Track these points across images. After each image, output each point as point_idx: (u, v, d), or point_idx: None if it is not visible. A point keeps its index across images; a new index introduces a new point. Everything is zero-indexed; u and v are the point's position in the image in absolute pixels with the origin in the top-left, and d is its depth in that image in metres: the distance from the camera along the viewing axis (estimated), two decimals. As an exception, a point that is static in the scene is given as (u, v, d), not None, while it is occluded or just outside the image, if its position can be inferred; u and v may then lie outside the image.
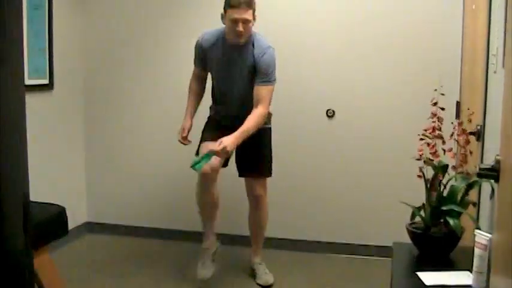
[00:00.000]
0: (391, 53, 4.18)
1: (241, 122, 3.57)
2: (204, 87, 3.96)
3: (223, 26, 3.66)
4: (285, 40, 4.20)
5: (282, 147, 4.24)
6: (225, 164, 3.79)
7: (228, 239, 4.31)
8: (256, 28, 3.68)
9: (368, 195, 4.30)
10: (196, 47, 3.79)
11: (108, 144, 4.85)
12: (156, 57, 4.64)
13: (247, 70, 3.66)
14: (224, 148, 3.44)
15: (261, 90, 3.61)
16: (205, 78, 3.92)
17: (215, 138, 3.59)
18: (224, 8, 3.57)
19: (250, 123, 3.56)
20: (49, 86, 4.37)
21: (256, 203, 3.93)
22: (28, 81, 4.02)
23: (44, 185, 4.02)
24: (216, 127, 3.82)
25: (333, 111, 4.31)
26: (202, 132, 3.88)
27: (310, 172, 4.40)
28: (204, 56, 3.77)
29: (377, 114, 4.24)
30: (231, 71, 3.70)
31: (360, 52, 4.22)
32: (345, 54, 4.25)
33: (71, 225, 3.40)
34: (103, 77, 4.80)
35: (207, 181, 3.67)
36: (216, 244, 3.90)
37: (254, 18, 3.60)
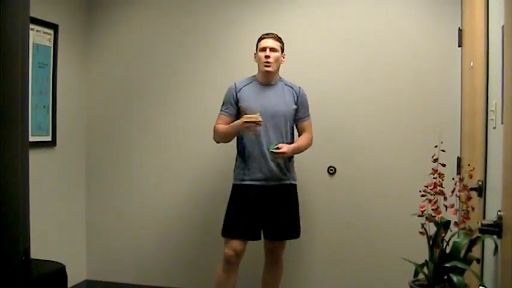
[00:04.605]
0: (392, 110, 4.21)
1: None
2: None
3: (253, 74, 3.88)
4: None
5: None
6: (257, 236, 3.77)
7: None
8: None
9: (370, 252, 4.26)
10: (228, 91, 3.84)
11: (109, 202, 4.83)
12: (158, 114, 4.69)
13: (286, 107, 3.80)
14: (284, 153, 3.65)
15: (305, 124, 3.92)
16: None
17: (248, 217, 3.71)
18: (256, 45, 3.84)
19: (302, 141, 3.86)
20: (52, 143, 4.41)
21: (276, 261, 3.95)
22: (31, 138, 4.05)
23: (44, 241, 4.00)
24: (247, 201, 3.76)
25: (334, 168, 4.31)
26: (230, 207, 3.80)
27: (310, 229, 4.37)
28: (236, 98, 3.79)
29: (378, 172, 4.24)
30: (268, 107, 3.74)
31: (360, 110, 4.26)
32: (346, 113, 4.29)
33: (70, 283, 3.36)
34: (105, 135, 4.84)
35: (231, 265, 3.71)
36: None
37: (283, 56, 3.86)
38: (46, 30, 4.30)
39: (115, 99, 4.81)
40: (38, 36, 4.20)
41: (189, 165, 4.60)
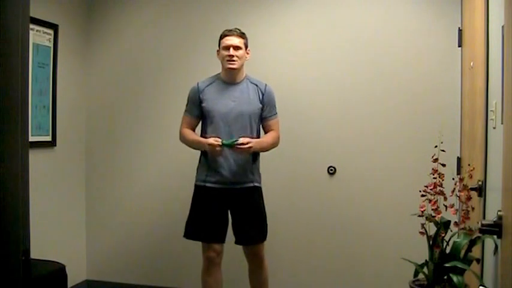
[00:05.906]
0: (392, 110, 4.21)
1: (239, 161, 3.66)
2: None
3: (217, 73, 3.82)
4: (286, 98, 4.24)
5: (282, 204, 4.22)
6: (222, 239, 3.72)
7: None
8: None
9: (369, 252, 4.26)
10: (191, 92, 3.79)
11: (109, 202, 4.83)
12: (158, 114, 4.69)
13: (250, 106, 3.70)
14: (247, 144, 3.51)
15: (271, 123, 3.78)
16: (195, 128, 3.86)
17: (210, 216, 3.66)
18: (218, 42, 3.76)
19: (267, 138, 3.75)
20: (51, 143, 4.41)
21: (257, 264, 3.85)
22: (31, 138, 4.04)
23: (44, 241, 3.99)
24: (210, 202, 3.71)
25: (334, 168, 4.31)
26: (194, 207, 3.77)
27: (310, 229, 4.37)
28: (200, 99, 3.73)
29: (378, 171, 4.24)
30: (232, 108, 3.67)
31: (360, 110, 4.26)
32: (346, 112, 4.29)
33: (70, 282, 3.36)
34: (105, 135, 4.83)
35: (211, 265, 3.68)
36: None
37: (247, 52, 3.76)
38: (46, 30, 4.29)
39: (115, 99, 4.81)
40: (38, 36, 4.20)
41: (190, 166, 4.58)
